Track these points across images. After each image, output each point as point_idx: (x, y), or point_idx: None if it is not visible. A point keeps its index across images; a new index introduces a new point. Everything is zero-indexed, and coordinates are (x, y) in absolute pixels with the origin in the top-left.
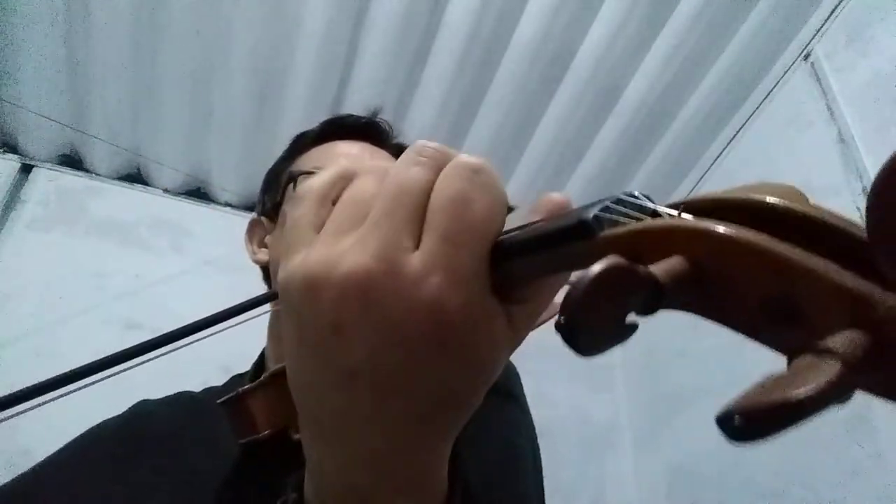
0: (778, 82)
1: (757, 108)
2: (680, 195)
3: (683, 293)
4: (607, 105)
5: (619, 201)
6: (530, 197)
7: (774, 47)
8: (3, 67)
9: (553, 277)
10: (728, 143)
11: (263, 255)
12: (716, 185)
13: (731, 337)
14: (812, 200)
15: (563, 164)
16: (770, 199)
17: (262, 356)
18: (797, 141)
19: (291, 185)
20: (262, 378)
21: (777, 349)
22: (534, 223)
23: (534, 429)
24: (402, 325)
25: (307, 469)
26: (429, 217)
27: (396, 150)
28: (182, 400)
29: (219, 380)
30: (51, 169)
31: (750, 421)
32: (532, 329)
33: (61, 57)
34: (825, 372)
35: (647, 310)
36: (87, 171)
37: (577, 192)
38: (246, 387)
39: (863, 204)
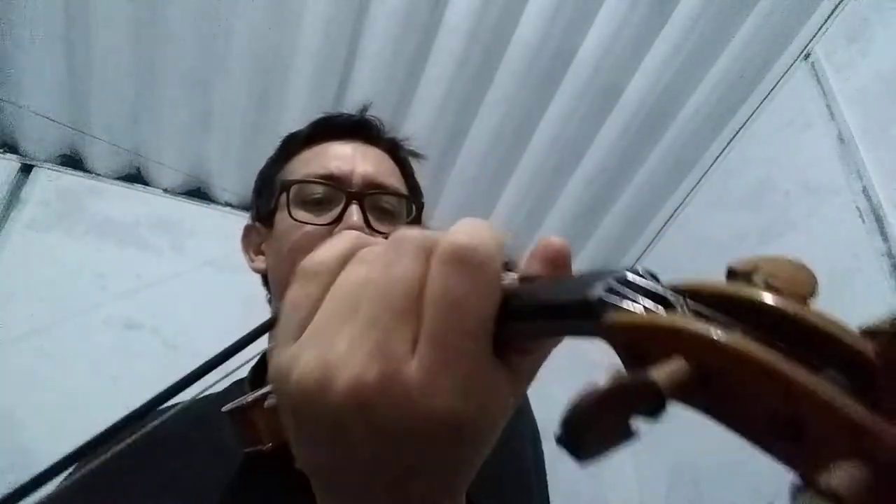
0: (778, 82)
1: (757, 108)
2: (680, 195)
3: (688, 398)
4: (607, 105)
5: (625, 281)
6: (530, 197)
7: (774, 47)
8: (3, 67)
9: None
10: (728, 143)
11: (261, 262)
12: (716, 185)
13: None
14: (815, 283)
15: (563, 164)
16: (779, 304)
17: (262, 359)
18: (797, 141)
19: (285, 194)
20: (265, 390)
21: (783, 463)
22: (537, 280)
23: (535, 423)
24: (410, 437)
25: None
26: (424, 321)
27: (389, 146)
28: (193, 407)
29: (217, 379)
30: (51, 169)
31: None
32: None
33: (61, 57)
34: None
35: (650, 415)
36: (87, 171)
37: (577, 192)
38: (250, 398)
39: (863, 204)
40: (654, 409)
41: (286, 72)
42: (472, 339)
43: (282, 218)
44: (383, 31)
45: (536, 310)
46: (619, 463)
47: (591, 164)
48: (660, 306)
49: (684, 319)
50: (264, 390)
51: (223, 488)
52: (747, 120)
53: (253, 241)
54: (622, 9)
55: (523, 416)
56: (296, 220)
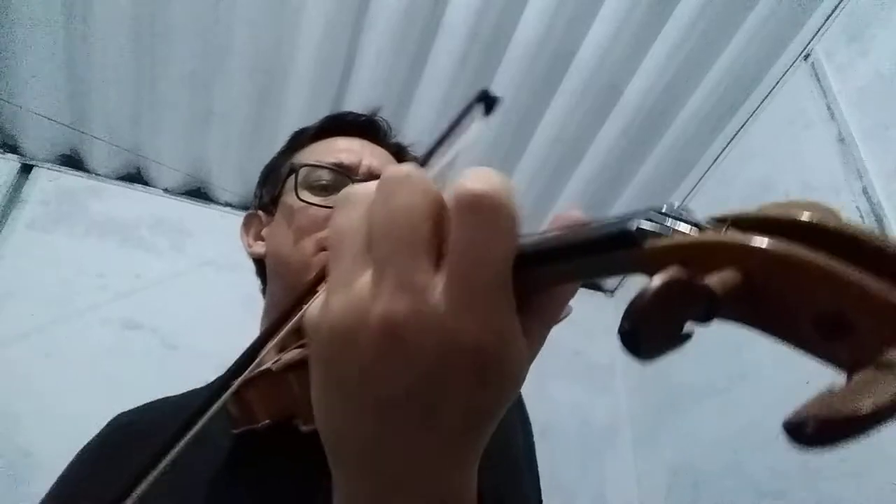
0: (778, 82)
1: (757, 108)
2: (680, 195)
3: (738, 306)
4: (607, 105)
5: (660, 213)
6: (530, 197)
7: (774, 47)
8: (3, 67)
9: (568, 285)
10: (728, 143)
11: (259, 247)
12: (716, 185)
13: (730, 337)
14: (842, 217)
15: (563, 164)
16: (813, 217)
17: None
18: (797, 141)
19: (293, 176)
20: (260, 370)
21: (832, 363)
22: (550, 232)
23: (525, 411)
24: (440, 366)
25: (337, 500)
26: (447, 258)
27: (395, 149)
28: (160, 404)
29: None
30: (51, 169)
31: (821, 431)
32: (546, 335)
33: (61, 57)
34: (888, 385)
35: (703, 320)
36: (87, 171)
37: (577, 192)
38: (243, 377)
39: (863, 204)
40: (707, 312)
41: (286, 72)
42: (495, 280)
43: (287, 200)
44: (383, 31)
45: (567, 249)
46: (620, 463)
47: (591, 164)
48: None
49: (728, 234)
50: (265, 366)
51: (211, 473)
52: (747, 120)
53: (254, 228)
54: (622, 9)
55: (514, 404)
56: (302, 200)
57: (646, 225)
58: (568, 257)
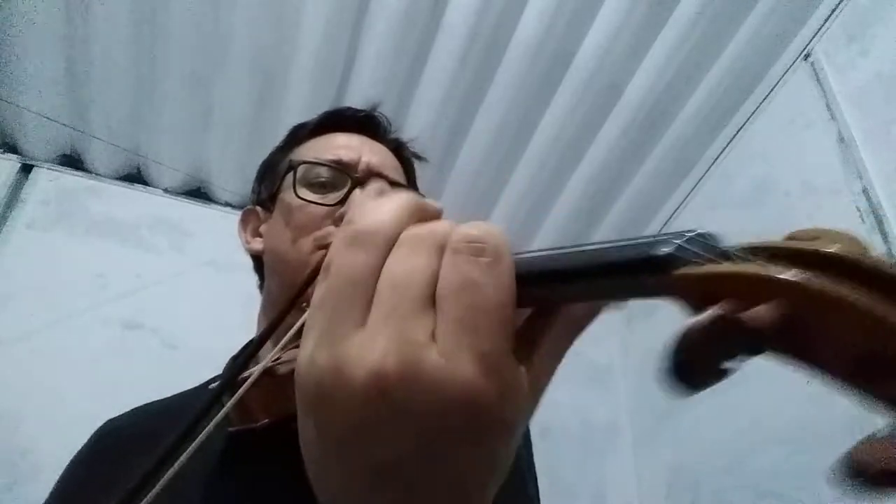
0: (778, 82)
1: (757, 108)
2: (680, 195)
3: (780, 341)
4: (607, 105)
5: (690, 238)
6: (531, 197)
7: (774, 47)
8: (3, 67)
9: (579, 319)
10: (728, 143)
11: (257, 244)
12: (716, 185)
13: None
14: (865, 247)
15: (563, 164)
16: (842, 250)
17: (249, 344)
18: (797, 141)
19: (292, 173)
20: (258, 369)
21: (877, 400)
22: (567, 249)
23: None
24: (434, 424)
25: None
26: (440, 307)
27: (395, 145)
28: (149, 407)
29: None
30: (51, 169)
31: (869, 480)
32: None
33: (61, 57)
34: None
35: (750, 354)
36: (87, 171)
37: (577, 192)
38: (243, 375)
39: (863, 204)
40: (752, 349)
41: (286, 72)
42: (491, 320)
43: (286, 197)
44: (383, 31)
45: (590, 269)
46: (620, 463)
47: (591, 164)
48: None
49: (769, 267)
50: (265, 363)
51: (205, 473)
52: (747, 120)
53: (251, 224)
54: (622, 9)
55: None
56: (301, 198)
57: (675, 251)
58: (590, 277)
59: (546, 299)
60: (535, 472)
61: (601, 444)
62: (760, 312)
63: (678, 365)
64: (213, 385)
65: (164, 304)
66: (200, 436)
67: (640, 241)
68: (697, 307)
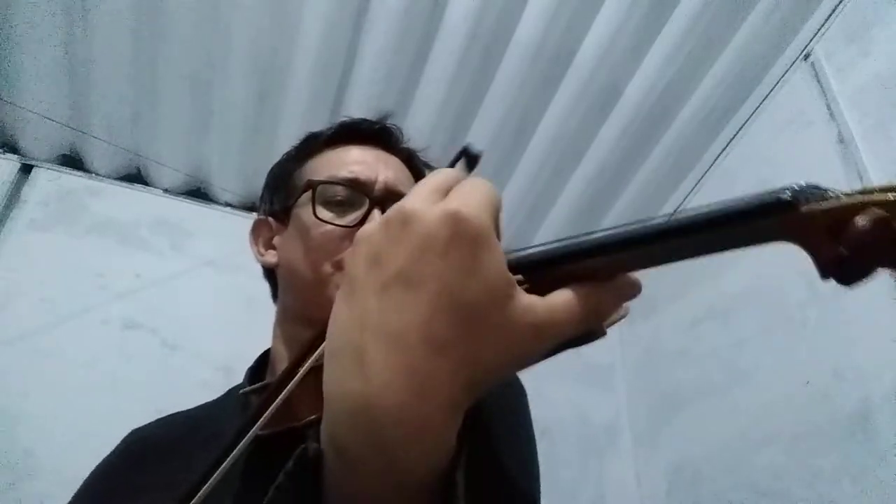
0: (778, 82)
1: (757, 108)
2: (680, 195)
3: None
4: (607, 105)
5: (799, 188)
6: (531, 196)
7: (774, 47)
8: (3, 67)
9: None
10: (728, 143)
11: (272, 257)
12: (716, 184)
13: (730, 337)
14: None
15: (563, 164)
16: None
17: (264, 355)
18: (797, 141)
19: (310, 192)
20: (302, 369)
21: None
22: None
23: (522, 391)
24: (423, 239)
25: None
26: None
27: (407, 155)
28: (175, 418)
29: (218, 379)
30: (51, 169)
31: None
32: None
33: (61, 57)
34: None
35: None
36: (87, 171)
37: (577, 192)
38: (280, 375)
39: None
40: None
41: (286, 72)
42: (491, 205)
43: (302, 214)
44: (383, 31)
45: (713, 220)
46: (620, 463)
47: (591, 164)
48: None
49: (878, 195)
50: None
51: (231, 477)
52: (747, 120)
53: (264, 236)
54: (622, 9)
55: (511, 387)
56: (320, 219)
57: (795, 193)
58: (712, 228)
59: (662, 256)
60: (537, 472)
61: (601, 444)
62: None
63: (855, 258)
64: (252, 388)
65: (164, 304)
66: (242, 442)
67: (746, 197)
68: (817, 242)
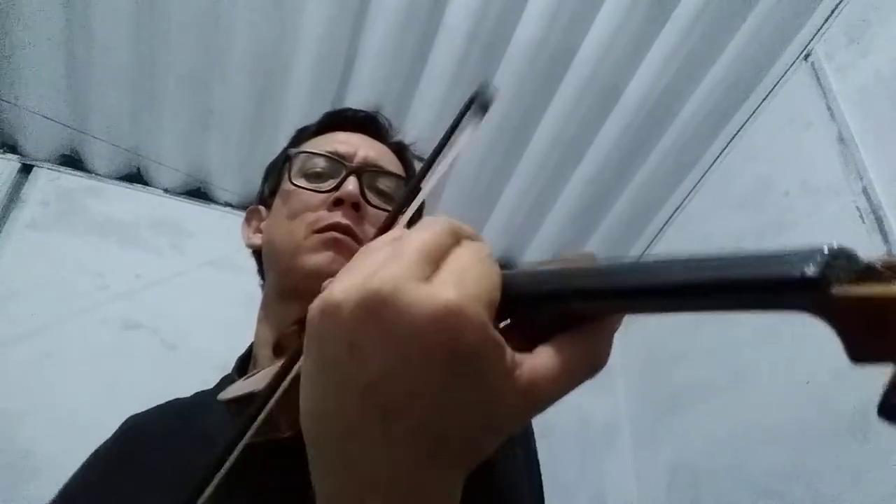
0: (778, 82)
1: (757, 108)
2: (680, 195)
3: None
4: (607, 105)
5: (833, 255)
6: (531, 197)
7: (774, 47)
8: (3, 67)
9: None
10: (728, 143)
11: (257, 238)
12: (716, 185)
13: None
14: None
15: (563, 165)
16: None
17: (249, 349)
18: (797, 141)
19: (287, 164)
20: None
21: None
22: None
23: (534, 445)
24: (413, 339)
25: (318, 500)
26: (444, 264)
27: (396, 147)
28: (172, 406)
29: (218, 379)
30: (51, 169)
31: None
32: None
33: (61, 57)
34: None
35: None
36: (87, 171)
37: (577, 192)
38: (265, 386)
39: (863, 204)
40: None
41: (286, 72)
42: (481, 278)
43: (283, 188)
44: (383, 31)
45: (727, 284)
46: (619, 463)
47: (591, 164)
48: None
49: None
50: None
51: (223, 486)
52: (747, 120)
53: (254, 222)
54: (622, 9)
55: (526, 437)
56: (295, 185)
57: (828, 272)
58: (726, 292)
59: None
60: (539, 483)
61: (601, 444)
62: None
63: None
64: (237, 396)
65: (164, 304)
66: (234, 452)
67: (780, 254)
68: (850, 334)
